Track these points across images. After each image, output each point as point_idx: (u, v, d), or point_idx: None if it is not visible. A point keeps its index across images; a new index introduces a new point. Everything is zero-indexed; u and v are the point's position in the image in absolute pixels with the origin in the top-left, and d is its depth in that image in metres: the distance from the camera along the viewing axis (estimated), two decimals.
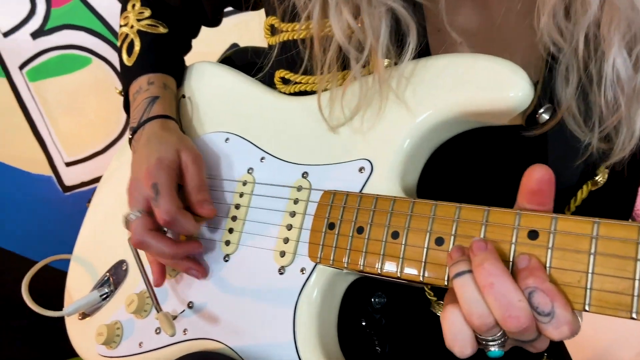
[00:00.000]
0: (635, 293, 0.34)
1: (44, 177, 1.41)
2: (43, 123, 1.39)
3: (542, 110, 0.46)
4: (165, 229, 0.59)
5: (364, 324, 0.59)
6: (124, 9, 0.74)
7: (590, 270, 0.35)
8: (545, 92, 0.46)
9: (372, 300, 0.59)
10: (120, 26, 0.73)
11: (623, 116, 0.45)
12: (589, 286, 0.35)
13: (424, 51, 0.50)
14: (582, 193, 0.50)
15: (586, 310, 0.35)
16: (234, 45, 1.18)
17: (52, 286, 0.83)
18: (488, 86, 0.45)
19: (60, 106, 1.38)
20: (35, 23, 1.33)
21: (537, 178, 0.38)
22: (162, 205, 0.55)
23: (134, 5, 0.73)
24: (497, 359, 0.38)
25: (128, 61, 0.70)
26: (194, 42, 0.79)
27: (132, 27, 0.71)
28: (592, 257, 0.36)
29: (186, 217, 0.56)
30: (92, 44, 1.32)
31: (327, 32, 0.50)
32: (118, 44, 0.73)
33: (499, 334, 0.37)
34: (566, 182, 0.50)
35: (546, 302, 0.35)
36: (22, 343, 1.43)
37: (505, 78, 0.45)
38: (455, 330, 0.38)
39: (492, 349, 0.38)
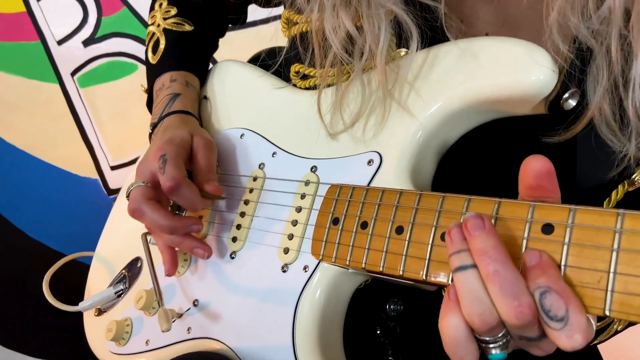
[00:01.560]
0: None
1: (91, 180, 1.46)
2: (91, 127, 1.44)
3: (567, 95, 0.41)
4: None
5: (378, 332, 0.55)
6: (152, 9, 0.75)
7: (612, 270, 0.30)
8: (571, 78, 0.41)
9: (387, 307, 0.55)
10: (148, 25, 0.74)
11: None
12: (610, 288, 0.30)
13: None
14: (617, 194, 0.44)
15: (606, 316, 0.30)
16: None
17: (80, 283, 0.85)
18: (505, 69, 0.41)
19: (107, 111, 1.43)
20: (87, 31, 1.38)
21: (536, 171, 0.34)
22: (167, 172, 0.52)
23: (161, 4, 0.73)
24: None
25: (153, 59, 0.71)
26: (234, 50, 0.78)
27: (158, 25, 0.72)
28: (614, 253, 0.30)
29: (191, 187, 0.53)
30: (139, 51, 1.36)
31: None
32: (145, 42, 0.74)
33: (500, 334, 0.33)
34: (596, 193, 0.45)
35: (560, 305, 0.30)
36: (50, 341, 1.48)
37: (525, 59, 0.40)
38: (456, 340, 0.34)
39: (494, 351, 0.33)
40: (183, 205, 0.54)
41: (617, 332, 0.54)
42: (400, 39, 0.47)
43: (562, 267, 0.32)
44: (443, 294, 0.51)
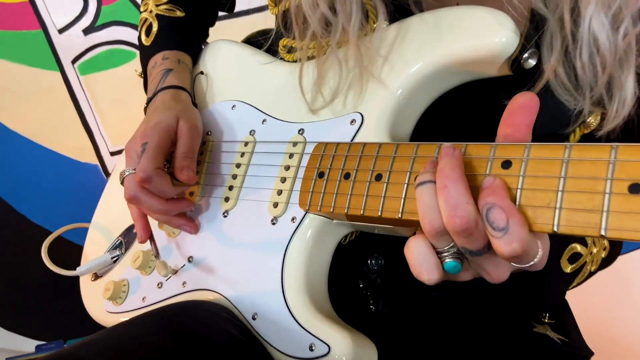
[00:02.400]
0: (605, 209, 0.32)
1: (91, 165, 1.49)
2: (91, 114, 1.48)
3: (526, 55, 0.45)
4: None
5: (361, 285, 0.59)
6: None
7: (560, 190, 0.34)
8: (529, 40, 0.45)
9: (369, 261, 0.59)
10: (141, 12, 0.77)
11: (614, 82, 0.44)
12: (557, 206, 0.34)
13: None
14: (575, 136, 0.49)
15: (555, 232, 0.34)
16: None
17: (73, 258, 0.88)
18: (472, 34, 0.45)
19: (107, 98, 1.46)
20: (87, 20, 1.41)
21: (522, 104, 0.38)
22: (141, 164, 0.56)
23: None
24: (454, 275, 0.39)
25: (146, 41, 0.74)
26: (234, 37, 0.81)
27: (151, 11, 0.75)
28: (562, 180, 0.34)
29: (162, 178, 0.57)
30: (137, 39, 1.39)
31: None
32: (138, 29, 0.77)
33: (451, 244, 0.38)
34: (556, 124, 0.49)
35: (502, 217, 0.34)
36: (50, 323, 1.52)
37: (489, 24, 0.45)
38: (420, 257, 0.38)
39: (447, 259, 0.38)
40: (155, 192, 0.58)
41: (591, 273, 0.57)
42: (374, 15, 0.50)
43: (518, 196, 0.36)
44: None
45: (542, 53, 0.46)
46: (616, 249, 0.60)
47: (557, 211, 0.34)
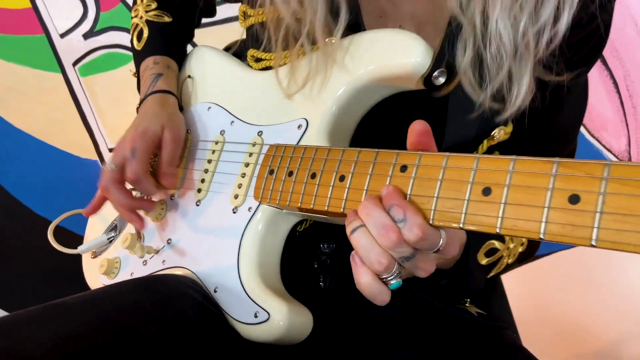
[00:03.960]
0: (464, 211, 0.42)
1: (91, 161, 1.60)
2: (91, 113, 1.58)
3: (436, 74, 0.54)
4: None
5: (315, 266, 0.69)
6: (134, 3, 0.88)
7: (435, 195, 0.43)
8: (440, 58, 0.54)
9: (322, 245, 0.69)
10: (132, 18, 0.87)
11: (513, 75, 0.53)
12: (433, 207, 0.43)
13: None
14: (483, 148, 0.58)
15: (431, 224, 0.43)
16: None
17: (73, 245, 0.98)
18: (392, 54, 0.55)
19: (105, 98, 1.56)
20: (86, 25, 1.51)
21: (417, 130, 0.47)
22: (132, 167, 0.67)
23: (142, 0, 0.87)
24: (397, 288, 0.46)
25: (138, 46, 0.83)
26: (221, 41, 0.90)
27: (141, 17, 0.84)
28: (439, 182, 0.43)
29: (149, 181, 0.68)
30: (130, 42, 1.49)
31: (279, 15, 0.60)
32: (130, 33, 0.86)
33: (394, 269, 0.44)
34: (467, 135, 0.58)
35: (400, 211, 0.43)
36: None
37: (405, 46, 0.54)
38: (373, 291, 0.45)
39: (392, 282, 0.45)
40: (142, 192, 0.69)
41: (508, 266, 0.66)
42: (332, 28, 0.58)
43: (409, 195, 0.45)
44: None
45: (456, 55, 0.54)
46: (535, 244, 0.69)
47: (432, 213, 0.43)
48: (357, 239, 0.45)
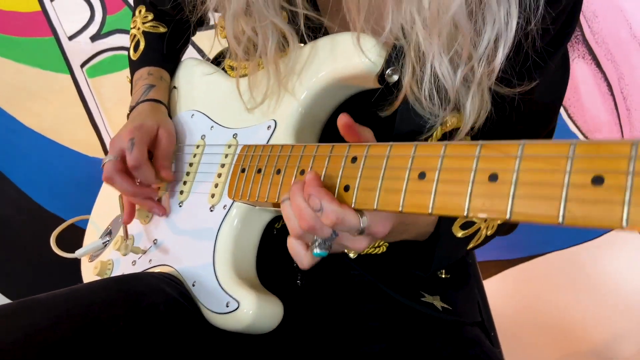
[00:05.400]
0: (403, 192, 0.43)
1: (97, 160, 1.65)
2: (98, 113, 1.63)
3: (389, 72, 0.56)
4: None
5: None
6: (133, 15, 0.92)
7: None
8: (391, 59, 0.56)
9: None
10: (131, 29, 0.91)
11: (462, 102, 0.55)
12: (378, 191, 0.45)
13: None
14: (437, 135, 0.60)
15: (377, 208, 0.45)
16: None
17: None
18: (348, 56, 0.58)
19: (112, 99, 1.62)
20: (93, 28, 1.57)
21: (342, 124, 0.50)
22: (133, 154, 0.70)
23: (140, 11, 0.90)
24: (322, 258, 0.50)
25: (134, 56, 0.87)
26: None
27: (138, 28, 0.88)
28: (383, 170, 0.45)
29: (149, 168, 0.72)
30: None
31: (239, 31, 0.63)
32: (128, 44, 0.90)
33: (315, 239, 0.48)
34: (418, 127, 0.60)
35: (316, 201, 0.45)
36: None
37: (359, 48, 0.57)
38: (295, 251, 0.50)
39: (314, 250, 0.49)
40: (141, 180, 0.72)
41: (488, 237, 0.67)
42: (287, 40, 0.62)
43: (357, 183, 0.47)
44: None
45: (402, 72, 0.56)
46: None
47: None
48: (284, 208, 0.50)
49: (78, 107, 1.63)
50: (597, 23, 1.34)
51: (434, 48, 0.52)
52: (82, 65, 1.61)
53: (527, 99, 0.58)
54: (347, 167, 0.50)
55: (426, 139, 0.59)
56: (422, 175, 0.43)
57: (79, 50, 1.59)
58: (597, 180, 0.33)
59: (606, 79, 1.35)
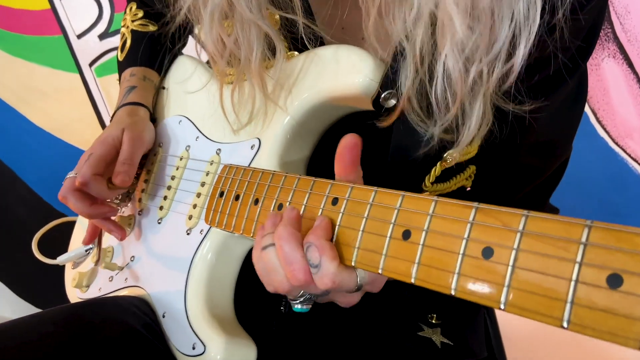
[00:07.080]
0: (384, 252, 0.38)
1: None
2: (106, 112, 1.61)
3: (385, 95, 0.50)
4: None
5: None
6: (124, 12, 0.87)
7: (361, 229, 0.40)
8: (388, 80, 0.50)
9: None
10: (121, 27, 0.86)
11: (465, 110, 0.48)
12: (357, 245, 0.40)
13: None
14: (436, 171, 0.53)
15: (354, 266, 0.40)
16: None
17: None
18: (339, 73, 0.51)
19: None
20: (101, 26, 1.53)
21: (345, 143, 0.45)
22: (81, 170, 0.65)
23: (131, 8, 0.86)
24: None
25: (120, 57, 0.83)
26: None
27: (127, 27, 0.84)
28: (364, 219, 0.41)
29: (98, 182, 0.65)
30: None
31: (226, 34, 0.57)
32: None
33: (299, 295, 0.43)
34: (410, 170, 0.53)
35: (316, 255, 0.40)
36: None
37: (353, 65, 0.50)
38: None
39: (295, 306, 0.44)
40: (95, 195, 0.67)
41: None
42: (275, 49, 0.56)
43: (335, 232, 0.42)
44: None
45: (399, 82, 0.49)
46: None
47: (356, 250, 0.40)
48: (266, 257, 0.44)
49: (87, 107, 1.61)
50: (629, 19, 1.23)
51: (447, 46, 0.44)
52: (91, 64, 1.58)
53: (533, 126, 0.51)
54: (326, 209, 0.44)
55: (425, 155, 0.51)
56: (406, 235, 0.38)
57: (87, 48, 1.56)
58: (614, 281, 0.26)
59: (638, 80, 1.25)
